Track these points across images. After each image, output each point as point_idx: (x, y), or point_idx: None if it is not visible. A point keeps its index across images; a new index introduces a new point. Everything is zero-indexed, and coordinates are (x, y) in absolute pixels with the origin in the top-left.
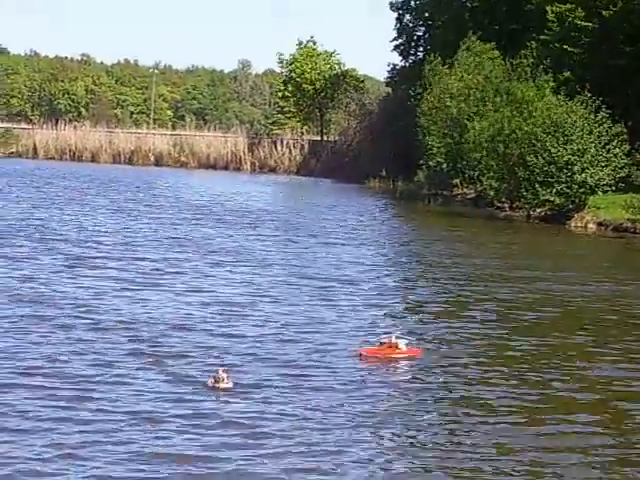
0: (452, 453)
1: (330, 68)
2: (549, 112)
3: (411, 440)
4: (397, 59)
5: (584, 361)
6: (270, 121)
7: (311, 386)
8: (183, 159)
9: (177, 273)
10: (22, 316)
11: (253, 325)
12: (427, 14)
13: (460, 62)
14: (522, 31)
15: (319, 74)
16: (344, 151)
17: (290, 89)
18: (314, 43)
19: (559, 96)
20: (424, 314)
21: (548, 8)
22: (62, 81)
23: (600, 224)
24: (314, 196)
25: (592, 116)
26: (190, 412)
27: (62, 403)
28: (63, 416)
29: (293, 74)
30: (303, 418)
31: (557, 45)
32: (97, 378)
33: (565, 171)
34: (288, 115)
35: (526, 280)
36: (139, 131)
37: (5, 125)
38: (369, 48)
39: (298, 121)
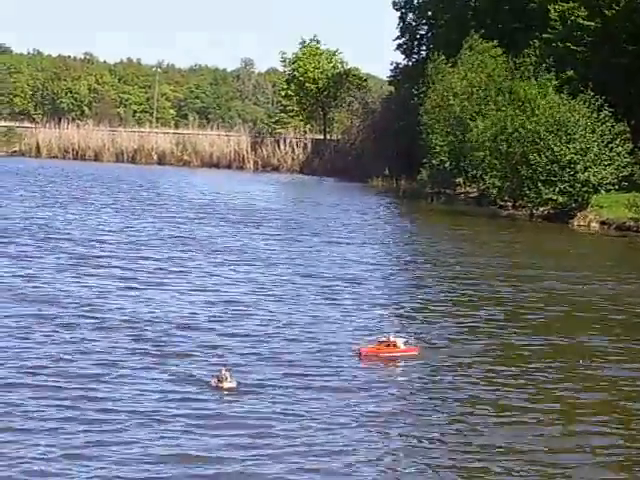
0: (460, 453)
1: (333, 67)
2: (552, 111)
3: (418, 440)
4: (400, 58)
5: (588, 360)
6: (273, 120)
7: (315, 385)
8: (186, 158)
9: (181, 272)
10: (26, 315)
11: (257, 324)
12: (430, 13)
13: (463, 61)
14: (525, 30)
15: (322, 73)
16: (347, 150)
17: (293, 88)
18: (317, 42)
19: (562, 95)
20: (428, 313)
21: (551, 7)
22: (65, 80)
23: (603, 223)
24: (317, 195)
25: (595, 115)
26: (194, 412)
27: (67, 402)
28: (67, 416)
29: (296, 73)
30: (308, 418)
31: (560, 44)
32: (101, 377)
33: (568, 170)
34: (291, 114)
35: (529, 279)
36: (142, 130)
37: (8, 124)
38: (372, 47)
39: (301, 120)
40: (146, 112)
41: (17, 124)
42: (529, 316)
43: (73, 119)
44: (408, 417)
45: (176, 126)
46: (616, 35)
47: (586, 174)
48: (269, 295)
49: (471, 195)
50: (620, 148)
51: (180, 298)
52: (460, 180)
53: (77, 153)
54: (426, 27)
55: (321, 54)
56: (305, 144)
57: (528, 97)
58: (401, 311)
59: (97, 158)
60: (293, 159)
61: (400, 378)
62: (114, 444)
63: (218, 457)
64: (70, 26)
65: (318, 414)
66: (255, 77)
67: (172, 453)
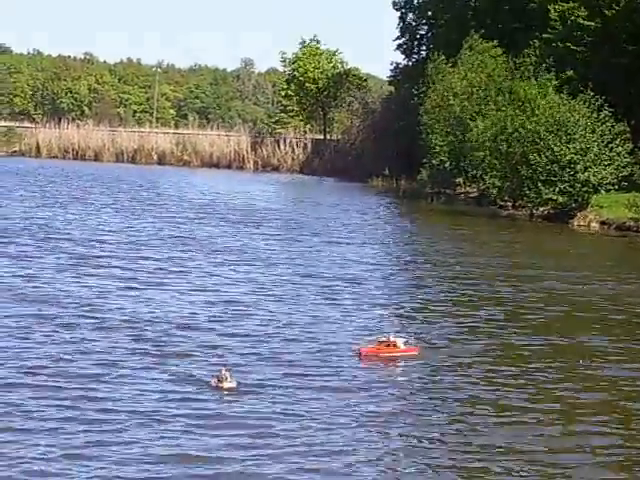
0: (460, 453)
1: (333, 67)
2: (552, 111)
3: (418, 440)
4: (400, 58)
5: (588, 360)
6: (273, 120)
7: (315, 386)
8: (186, 158)
9: (181, 272)
10: (26, 315)
11: (257, 324)
12: (430, 13)
13: (463, 61)
14: (525, 30)
15: (322, 73)
16: (347, 150)
17: (293, 88)
18: (317, 42)
19: (562, 95)
20: (428, 313)
21: (551, 7)
22: (65, 80)
23: (603, 223)
24: (317, 195)
25: (595, 115)
26: (194, 412)
27: (67, 402)
28: (67, 415)
29: (296, 73)
30: (308, 418)
31: (560, 44)
32: (101, 377)
33: (568, 170)
34: (291, 114)
35: (529, 279)
36: (142, 130)
37: (8, 124)
38: (372, 47)
39: (301, 120)
40: (146, 112)
41: (17, 124)
42: (529, 316)
43: (73, 119)
44: (408, 417)
45: (176, 126)
46: (616, 35)
47: (586, 174)
48: (269, 295)
49: (471, 195)
50: (620, 148)
51: (180, 298)
52: (460, 180)
53: (77, 153)
54: (426, 27)
55: (321, 54)
56: (305, 144)
57: (528, 97)
58: (401, 311)
59: (97, 158)
60: (293, 159)
61: (400, 378)
62: (114, 444)
63: (218, 457)
64: (70, 26)
65: (318, 414)
66: (255, 77)
67: (172, 453)
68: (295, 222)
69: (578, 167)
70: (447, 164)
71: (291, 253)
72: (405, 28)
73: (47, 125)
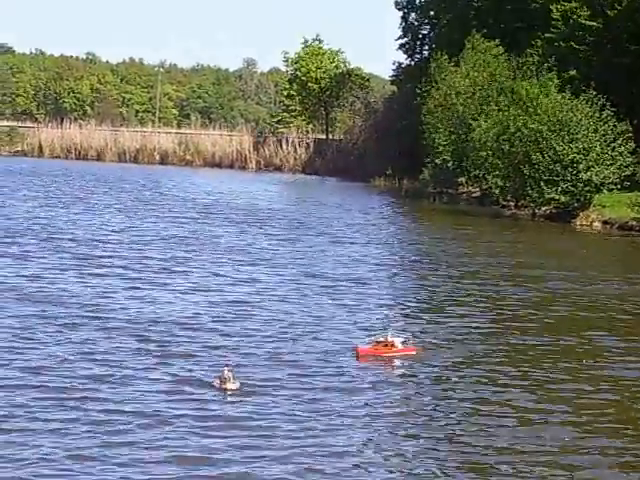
0: (467, 454)
1: (335, 67)
2: (554, 110)
3: (424, 440)
4: (402, 57)
5: (591, 360)
6: (275, 120)
7: (319, 386)
8: (188, 157)
9: (184, 272)
10: (30, 315)
11: (261, 325)
12: (432, 12)
13: (465, 60)
14: (527, 29)
15: (324, 73)
16: (349, 150)
17: (295, 88)
18: (319, 42)
19: (564, 94)
20: (432, 313)
21: (553, 7)
22: (67, 80)
23: (605, 222)
24: (320, 195)
25: (597, 114)
26: (197, 413)
27: (70, 403)
28: (71, 416)
29: (298, 73)
30: (312, 419)
31: (562, 44)
32: (105, 378)
33: (570, 169)
34: (293, 114)
35: (533, 279)
36: (144, 130)
37: (11, 124)
38: (374, 47)
39: (303, 120)
40: (148, 112)
41: (20, 124)
42: (533, 316)
43: (75, 119)
44: (414, 418)
45: (178, 126)
46: (618, 35)
47: (588, 174)
48: (273, 295)
49: (474, 195)
50: (622, 148)
51: (183, 298)
52: (463, 180)
53: (79, 153)
54: (428, 27)
55: (323, 54)
56: (307, 144)
57: (530, 97)
58: (405, 311)
59: (99, 158)
60: (295, 159)
61: (404, 379)
62: (118, 445)
63: (222, 458)
64: (72, 26)
65: (322, 415)
66: (257, 77)
67: (175, 454)
68: (298, 222)
69: (580, 167)
70: (450, 164)
71: (294, 253)
72: (407, 28)
73: (49, 125)
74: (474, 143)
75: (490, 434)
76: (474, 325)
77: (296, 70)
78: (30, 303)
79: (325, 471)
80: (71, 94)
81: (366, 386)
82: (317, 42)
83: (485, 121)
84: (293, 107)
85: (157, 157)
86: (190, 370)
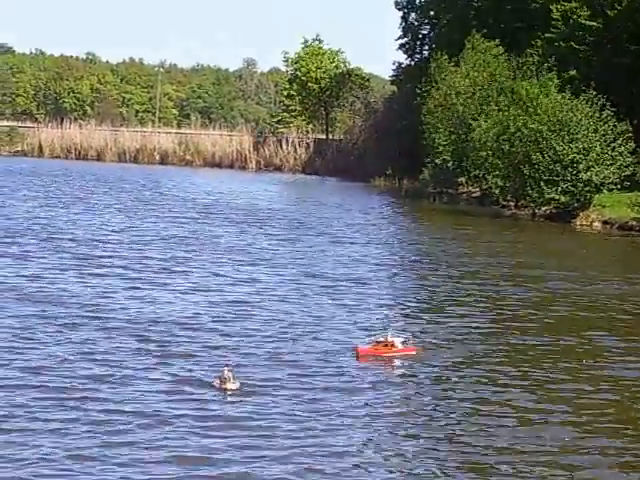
0: (467, 455)
1: (335, 67)
2: (554, 110)
3: (424, 440)
4: (402, 57)
5: (591, 360)
6: (275, 120)
7: (319, 386)
8: (188, 157)
9: (184, 272)
10: (30, 315)
11: (261, 324)
12: (432, 12)
13: (465, 60)
14: (527, 29)
15: (324, 73)
16: (349, 150)
17: (295, 88)
18: (319, 42)
19: (564, 94)
20: (432, 313)
21: (553, 7)
22: (67, 80)
23: (605, 222)
24: (320, 195)
25: (597, 114)
26: (197, 413)
27: (70, 403)
28: (71, 416)
29: (298, 73)
30: (312, 419)
31: (562, 44)
32: (105, 378)
33: (570, 169)
34: (293, 114)
35: (533, 279)
36: (144, 130)
37: (11, 124)
38: (374, 47)
39: (303, 120)
40: (148, 112)
41: (19, 124)
42: (533, 316)
43: (75, 119)
44: (414, 418)
45: (178, 126)
46: (618, 35)
47: (588, 174)
48: (273, 295)
49: (473, 195)
50: (622, 148)
51: (183, 298)
52: (462, 180)
53: (79, 153)
54: (428, 27)
55: (323, 54)
56: (307, 144)
57: (530, 97)
58: (406, 311)
59: (99, 158)
60: (295, 159)
61: (404, 379)
62: (118, 445)
63: (222, 458)
64: (72, 26)
65: (322, 415)
66: (257, 77)
67: (175, 454)
68: (298, 222)
69: (580, 167)
70: (449, 164)
71: (294, 253)
72: (407, 28)
73: (49, 125)
74: (474, 143)
75: (490, 434)
76: (474, 325)
77: (296, 70)
78: (30, 303)
79: (325, 471)
80: (71, 94)
81: (366, 386)
82: (317, 42)
83: (485, 121)
84: (293, 107)
85: (157, 157)
86: (190, 370)
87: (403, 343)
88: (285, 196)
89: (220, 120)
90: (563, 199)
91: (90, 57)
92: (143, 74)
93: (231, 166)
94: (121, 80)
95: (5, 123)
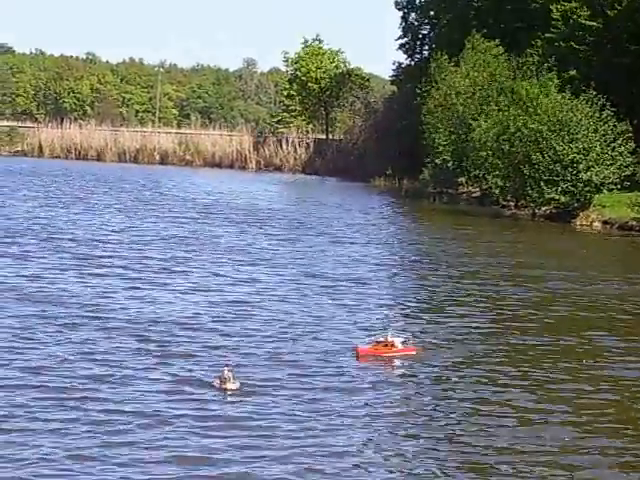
0: (467, 455)
1: (335, 67)
2: (554, 110)
3: (425, 440)
4: (402, 57)
5: (591, 360)
6: (275, 120)
7: (319, 386)
8: (188, 157)
9: (184, 272)
10: (30, 315)
11: (261, 324)
12: (432, 12)
13: (465, 60)
14: (527, 29)
15: (324, 73)
16: (349, 150)
17: (295, 88)
18: (319, 42)
19: (564, 94)
20: (432, 313)
21: (553, 7)
22: (67, 80)
23: (605, 222)
24: (320, 195)
25: (597, 114)
26: (197, 413)
27: (70, 403)
28: (71, 416)
29: (298, 73)
30: (312, 419)
31: (562, 43)
32: (105, 378)
33: (570, 169)
34: (293, 114)
35: (533, 279)
36: (144, 130)
37: (10, 124)
38: (374, 47)
39: (303, 120)
40: (148, 112)
41: (20, 124)
42: (533, 316)
43: (75, 119)
44: (414, 418)
45: (178, 126)
46: (618, 35)
47: (588, 174)
48: (273, 295)
49: (473, 195)
50: (622, 148)
51: (183, 298)
52: (462, 180)
53: (79, 153)
54: (428, 27)
55: (323, 54)
56: (307, 144)
57: (530, 97)
58: (406, 311)
59: (99, 158)
60: (295, 159)
61: (404, 379)
62: (118, 445)
63: (222, 458)
64: (72, 26)
65: (322, 415)
66: (257, 77)
67: (175, 454)
68: (298, 222)
69: (580, 167)
70: (449, 164)
71: (294, 253)
72: (407, 28)
73: (49, 125)
74: (474, 143)
75: (490, 434)
76: (474, 325)
77: (296, 70)
78: (30, 303)
79: (325, 471)
80: (71, 94)
81: (366, 386)
82: (317, 42)
83: (485, 121)
84: (293, 107)
85: (157, 157)
86: (190, 370)
87: (403, 343)
88: (285, 196)
89: (220, 120)
90: (563, 199)
91: (90, 57)
92: (143, 74)
93: (231, 166)
94: (121, 80)
95: (5, 123)
